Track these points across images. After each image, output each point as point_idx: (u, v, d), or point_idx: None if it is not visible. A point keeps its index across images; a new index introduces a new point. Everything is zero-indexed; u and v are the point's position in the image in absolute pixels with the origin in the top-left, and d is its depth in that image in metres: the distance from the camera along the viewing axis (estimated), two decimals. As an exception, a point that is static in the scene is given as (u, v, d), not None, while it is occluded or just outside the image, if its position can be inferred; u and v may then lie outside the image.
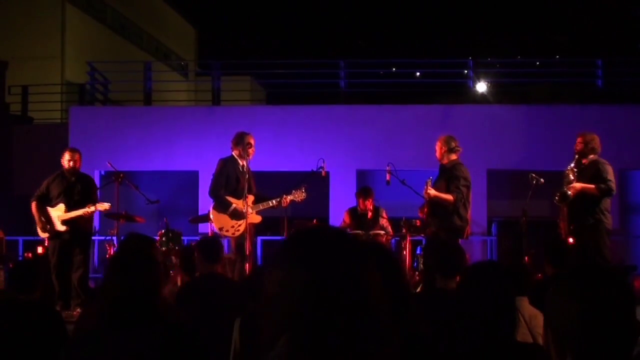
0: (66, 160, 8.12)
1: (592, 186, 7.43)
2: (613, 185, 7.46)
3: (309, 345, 1.43)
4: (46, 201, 8.09)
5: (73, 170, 8.13)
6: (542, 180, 7.92)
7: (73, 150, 8.31)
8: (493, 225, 11.99)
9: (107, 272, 2.75)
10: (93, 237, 11.26)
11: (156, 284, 2.74)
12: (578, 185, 7.49)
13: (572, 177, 7.55)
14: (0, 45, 18.72)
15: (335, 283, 1.46)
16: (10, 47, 18.76)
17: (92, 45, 20.86)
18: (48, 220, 8.01)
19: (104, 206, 8.15)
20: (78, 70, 17.88)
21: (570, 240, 7.24)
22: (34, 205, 8.10)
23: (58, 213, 8.00)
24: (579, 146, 7.66)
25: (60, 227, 7.98)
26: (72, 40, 20.42)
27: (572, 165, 7.65)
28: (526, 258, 7.73)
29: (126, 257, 2.79)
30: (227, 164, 8.12)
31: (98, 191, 8.64)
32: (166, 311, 3.30)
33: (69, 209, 7.98)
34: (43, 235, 8.12)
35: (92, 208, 7.99)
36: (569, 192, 7.45)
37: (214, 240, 5.59)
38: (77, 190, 8.09)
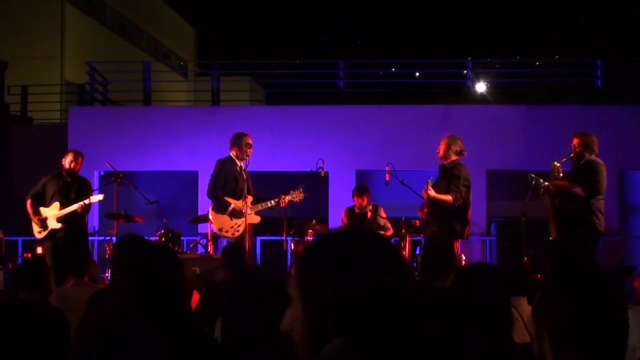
0: (68, 161, 8.13)
1: (577, 186, 7.36)
2: (600, 186, 7.32)
3: (368, 346, 1.44)
4: (41, 200, 8.11)
5: (72, 172, 8.15)
6: (541, 180, 7.90)
7: (77, 153, 8.31)
8: (492, 225, 11.98)
9: (133, 268, 2.55)
10: (93, 238, 11.31)
11: (182, 282, 2.61)
12: (560, 182, 7.46)
13: (557, 173, 7.52)
14: (0, 45, 18.73)
15: (394, 287, 1.49)
16: (10, 47, 18.78)
17: (91, 46, 20.88)
18: (42, 219, 8.03)
19: (98, 197, 8.17)
20: (77, 71, 17.89)
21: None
22: (28, 202, 8.14)
23: (53, 212, 8.01)
24: (575, 147, 7.61)
25: (55, 225, 7.97)
26: (72, 40, 20.44)
27: (563, 160, 7.61)
28: (525, 258, 7.72)
29: (155, 252, 2.64)
30: (225, 164, 8.11)
31: (95, 192, 8.63)
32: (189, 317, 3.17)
33: (64, 207, 7.99)
34: (39, 236, 8.12)
35: (87, 201, 7.99)
36: (546, 184, 7.42)
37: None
38: (74, 189, 8.11)
